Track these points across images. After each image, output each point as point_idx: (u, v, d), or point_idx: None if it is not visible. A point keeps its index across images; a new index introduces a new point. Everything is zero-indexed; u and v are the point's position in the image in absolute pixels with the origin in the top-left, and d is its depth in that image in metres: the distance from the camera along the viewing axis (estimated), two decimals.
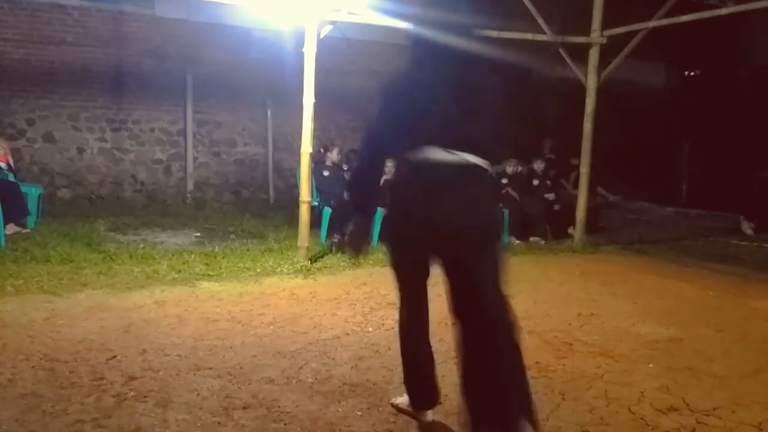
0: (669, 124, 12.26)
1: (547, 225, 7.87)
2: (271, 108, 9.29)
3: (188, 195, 8.88)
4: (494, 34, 7.03)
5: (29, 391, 2.74)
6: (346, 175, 7.26)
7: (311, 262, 5.58)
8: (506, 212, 7.53)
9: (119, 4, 8.33)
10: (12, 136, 7.87)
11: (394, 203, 2.39)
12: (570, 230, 7.66)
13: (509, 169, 8.02)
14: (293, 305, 4.35)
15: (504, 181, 7.95)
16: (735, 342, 3.89)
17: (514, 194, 7.81)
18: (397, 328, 2.64)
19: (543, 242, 7.53)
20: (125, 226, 7.08)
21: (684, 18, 6.32)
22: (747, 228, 8.60)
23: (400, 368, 3.19)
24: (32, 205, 6.51)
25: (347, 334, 3.77)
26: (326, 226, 6.68)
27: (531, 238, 7.58)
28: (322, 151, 7.43)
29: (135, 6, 8.41)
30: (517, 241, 7.41)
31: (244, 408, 2.67)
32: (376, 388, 2.96)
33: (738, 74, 11.80)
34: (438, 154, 2.21)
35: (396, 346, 3.55)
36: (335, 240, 6.32)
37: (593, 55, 7.09)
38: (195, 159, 9.01)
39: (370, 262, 5.87)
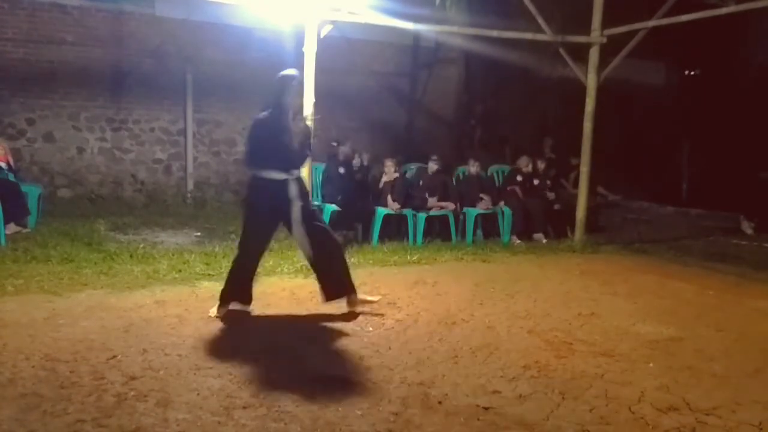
0: (669, 123, 12.26)
1: (548, 224, 7.88)
2: None
3: (188, 194, 8.88)
4: (495, 33, 7.05)
5: (29, 391, 2.74)
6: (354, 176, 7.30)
7: None
8: (507, 210, 7.53)
9: (119, 3, 8.32)
10: (12, 135, 7.87)
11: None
12: (569, 230, 7.66)
13: (524, 167, 8.03)
14: (293, 305, 4.35)
15: (519, 178, 7.94)
16: (735, 341, 3.89)
17: (519, 192, 7.78)
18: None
19: (545, 240, 7.53)
20: (125, 225, 7.08)
21: (684, 17, 6.32)
22: (747, 227, 8.60)
23: (401, 367, 3.21)
24: (32, 204, 6.51)
25: (347, 333, 3.77)
26: None
27: (534, 235, 7.57)
28: (335, 144, 7.43)
29: (135, 6, 8.40)
30: (518, 241, 7.41)
31: (244, 407, 2.67)
32: (376, 387, 2.96)
33: (738, 74, 11.79)
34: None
35: (396, 345, 3.57)
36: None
37: (593, 55, 7.09)
38: (195, 159, 9.00)
39: (371, 261, 5.88)
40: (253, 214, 3.99)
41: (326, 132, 8.58)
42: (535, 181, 8.04)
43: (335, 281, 4.09)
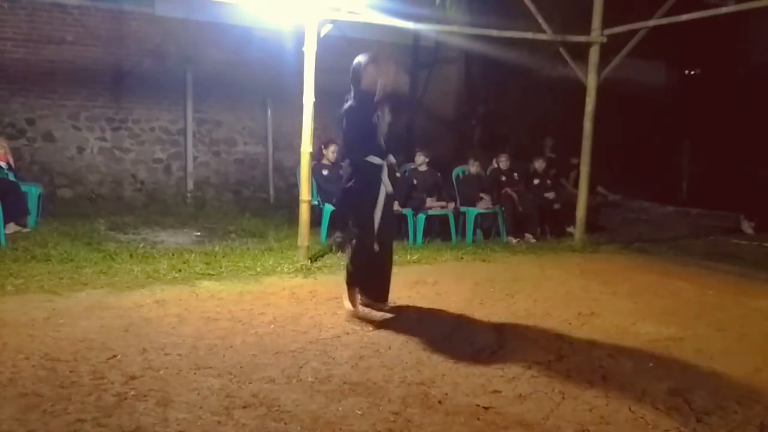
0: (669, 122, 12.27)
1: (545, 224, 7.87)
2: (271, 107, 9.28)
3: (188, 194, 8.87)
4: (495, 33, 7.05)
5: (29, 390, 2.74)
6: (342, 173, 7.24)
7: (311, 261, 5.58)
8: (500, 210, 7.54)
9: (119, 3, 8.31)
10: (12, 135, 7.86)
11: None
12: (570, 229, 7.66)
13: (537, 165, 8.09)
14: (293, 304, 4.35)
15: (544, 182, 8.03)
16: (735, 341, 3.90)
17: (513, 193, 7.78)
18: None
19: (533, 240, 7.53)
20: (125, 225, 7.07)
21: (684, 17, 6.31)
22: (747, 227, 8.60)
23: (401, 367, 3.21)
24: (32, 204, 6.51)
25: (347, 333, 3.77)
26: (326, 225, 6.68)
27: (525, 235, 7.57)
28: (322, 147, 7.42)
29: (135, 5, 8.40)
30: (514, 241, 7.41)
31: (244, 407, 2.67)
32: (377, 387, 2.96)
33: (738, 73, 11.79)
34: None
35: (396, 345, 3.57)
36: (338, 239, 6.31)
37: (593, 54, 7.09)
38: (195, 158, 9.00)
39: None
40: (367, 197, 3.99)
41: (326, 131, 8.57)
42: (535, 181, 8.05)
43: (379, 284, 4.19)
